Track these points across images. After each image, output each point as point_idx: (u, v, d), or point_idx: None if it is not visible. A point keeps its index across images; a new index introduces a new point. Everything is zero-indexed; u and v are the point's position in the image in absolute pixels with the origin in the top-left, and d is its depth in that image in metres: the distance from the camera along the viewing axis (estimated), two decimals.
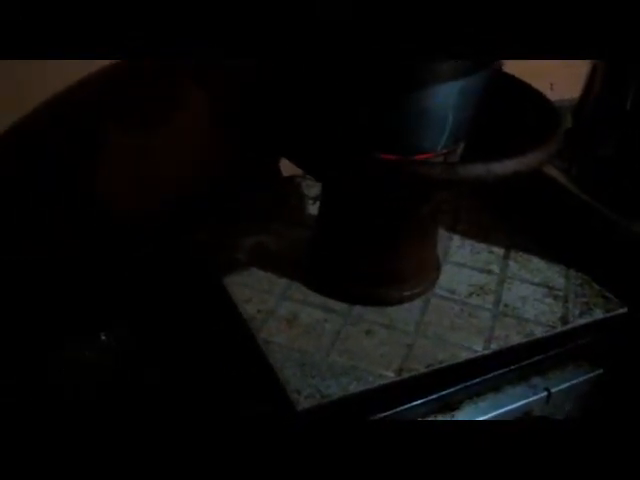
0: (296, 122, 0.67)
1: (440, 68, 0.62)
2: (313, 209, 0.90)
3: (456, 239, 0.90)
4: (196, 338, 0.76)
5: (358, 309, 0.76)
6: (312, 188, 0.95)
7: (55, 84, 0.77)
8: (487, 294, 0.80)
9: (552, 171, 0.93)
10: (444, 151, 0.68)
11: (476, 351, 0.72)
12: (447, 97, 0.64)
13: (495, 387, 0.75)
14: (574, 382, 0.78)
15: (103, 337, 0.78)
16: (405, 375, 0.68)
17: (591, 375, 0.79)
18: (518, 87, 0.77)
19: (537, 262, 0.86)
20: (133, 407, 0.67)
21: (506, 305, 0.79)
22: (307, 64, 0.65)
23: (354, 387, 0.66)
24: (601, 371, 0.79)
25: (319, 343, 0.71)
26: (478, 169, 0.60)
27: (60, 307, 0.77)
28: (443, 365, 0.70)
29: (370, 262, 0.75)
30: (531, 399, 0.75)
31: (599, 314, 0.78)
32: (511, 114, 0.75)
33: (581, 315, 0.78)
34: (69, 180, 0.81)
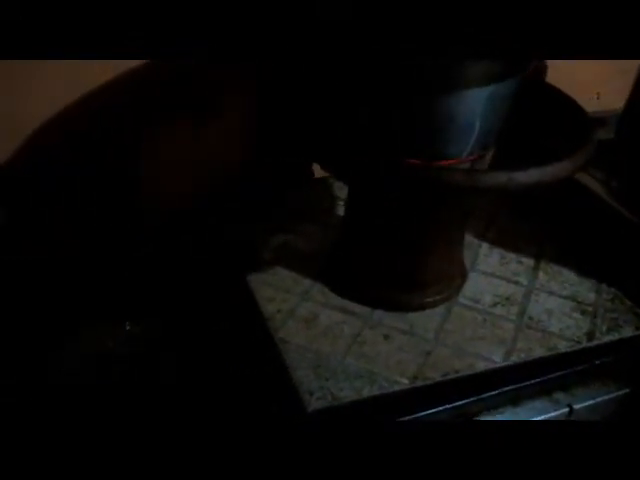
0: (324, 126, 0.67)
1: (468, 74, 0.61)
2: (343, 211, 0.89)
3: (485, 247, 0.88)
4: (217, 334, 0.76)
5: (378, 313, 0.76)
6: (344, 190, 0.95)
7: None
8: (512, 305, 0.79)
9: (591, 182, 0.91)
10: (471, 157, 0.67)
11: (495, 362, 0.71)
12: (474, 103, 0.63)
13: (514, 400, 0.73)
14: (598, 400, 0.75)
15: (128, 327, 0.79)
16: (420, 383, 0.68)
17: (617, 394, 0.77)
18: (552, 95, 0.75)
19: (567, 275, 0.84)
20: (146, 400, 0.68)
21: (531, 317, 0.77)
22: (336, 68, 0.65)
23: (367, 391, 0.66)
24: (628, 391, 0.77)
25: (336, 345, 0.71)
26: (499, 177, 0.59)
27: (86, 296, 0.79)
28: (460, 375, 0.69)
29: (392, 266, 0.75)
30: (551, 414, 0.73)
31: (628, 332, 0.76)
32: (544, 123, 0.74)
33: (609, 331, 0.76)
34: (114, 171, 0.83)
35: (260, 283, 0.79)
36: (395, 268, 0.75)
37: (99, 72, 0.78)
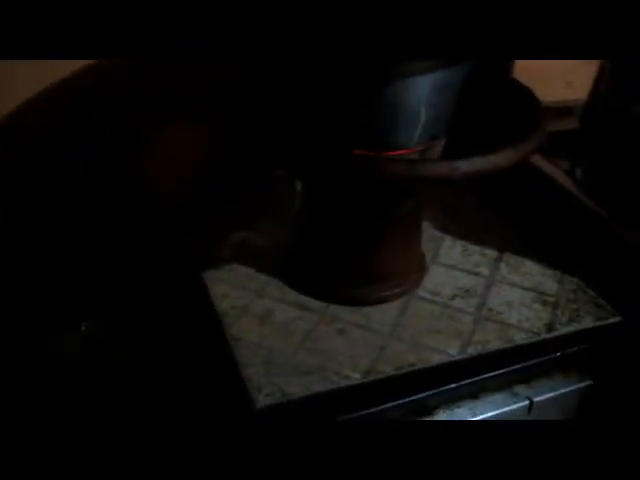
0: (269, 120, 0.66)
1: (409, 62, 0.60)
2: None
3: (448, 239, 0.87)
4: (171, 333, 0.75)
5: (334, 308, 0.74)
6: None
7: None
8: (472, 297, 0.77)
9: (555, 172, 0.90)
10: (419, 147, 0.66)
11: (451, 355, 0.69)
12: (418, 91, 0.62)
13: (473, 394, 0.72)
14: (560, 392, 0.74)
15: (83, 327, 0.78)
16: (372, 377, 0.66)
17: (579, 386, 0.75)
18: (506, 83, 0.74)
19: (530, 266, 0.83)
20: (98, 401, 0.67)
21: (490, 309, 0.76)
22: (279, 62, 0.64)
23: (317, 387, 0.65)
24: (590, 383, 0.76)
25: (289, 341, 0.70)
26: (442, 167, 0.58)
27: (42, 297, 0.78)
28: (414, 369, 0.68)
29: (346, 260, 0.74)
30: (512, 407, 0.72)
31: (589, 322, 0.75)
32: (496, 111, 0.73)
33: (569, 322, 0.75)
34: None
35: (215, 280, 0.77)
36: (349, 262, 0.74)
37: None
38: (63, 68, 0.78)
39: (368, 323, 0.73)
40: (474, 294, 0.78)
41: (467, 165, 0.58)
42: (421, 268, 0.79)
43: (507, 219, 0.91)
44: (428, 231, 0.88)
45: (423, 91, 0.62)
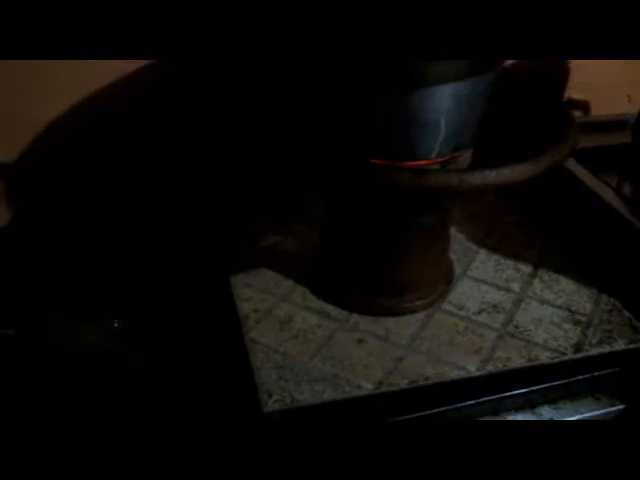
0: (288, 130, 0.66)
1: (429, 72, 0.60)
2: None
3: (482, 253, 0.85)
4: (193, 335, 0.77)
5: (356, 317, 0.74)
6: None
7: None
8: (499, 313, 0.75)
9: (600, 188, 0.86)
10: (441, 158, 0.65)
11: (468, 371, 0.68)
12: (437, 101, 0.61)
13: (493, 412, 0.70)
14: (587, 415, 0.71)
15: (116, 324, 0.81)
16: (384, 389, 0.66)
17: (609, 410, 0.72)
18: (539, 95, 0.72)
19: (565, 283, 0.80)
20: (116, 397, 0.69)
21: (517, 326, 0.74)
22: (294, 70, 0.65)
23: (327, 395, 0.65)
24: (622, 407, 0.72)
25: (306, 348, 0.70)
26: (450, 178, 0.56)
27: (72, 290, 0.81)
28: (428, 382, 0.67)
29: (368, 270, 0.74)
30: None
31: (621, 345, 0.72)
32: (528, 123, 0.71)
33: (599, 344, 0.72)
34: None
35: (241, 283, 0.79)
36: (371, 272, 0.73)
37: None
38: None
39: (387, 334, 0.72)
40: (501, 310, 0.76)
41: (476, 177, 0.56)
42: (447, 281, 0.77)
43: (547, 235, 0.89)
44: (463, 245, 0.86)
45: (443, 100, 0.61)
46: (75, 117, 0.82)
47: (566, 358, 0.70)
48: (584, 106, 1.07)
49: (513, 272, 0.82)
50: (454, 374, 0.68)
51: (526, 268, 0.83)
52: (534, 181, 0.61)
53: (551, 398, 0.71)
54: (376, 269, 0.73)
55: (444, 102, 0.61)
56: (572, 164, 0.90)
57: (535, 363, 0.69)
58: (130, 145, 0.85)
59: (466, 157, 0.69)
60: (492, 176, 0.57)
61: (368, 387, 0.66)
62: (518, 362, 0.69)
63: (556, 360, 0.70)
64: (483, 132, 0.70)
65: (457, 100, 0.62)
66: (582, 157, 0.93)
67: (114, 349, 0.75)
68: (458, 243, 0.86)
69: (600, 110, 1.08)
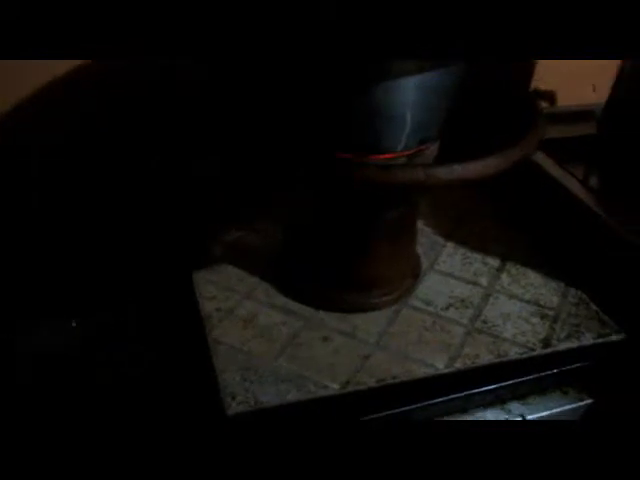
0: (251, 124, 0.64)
1: (391, 64, 0.58)
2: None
3: (450, 246, 0.84)
4: (159, 333, 0.74)
5: (322, 314, 0.72)
6: None
7: None
8: (467, 308, 0.74)
9: (566, 179, 0.86)
10: (407, 152, 0.64)
11: (437, 369, 0.67)
12: (401, 94, 0.60)
13: (462, 409, 0.69)
14: (556, 411, 0.70)
15: (74, 324, 0.78)
16: (350, 388, 0.64)
17: (578, 404, 0.72)
18: (508, 86, 0.71)
19: (533, 277, 0.79)
20: (75, 401, 0.66)
21: (485, 322, 0.73)
22: (258, 65, 0.62)
23: (292, 396, 0.63)
24: (590, 402, 0.72)
25: (270, 347, 0.68)
26: (416, 173, 0.55)
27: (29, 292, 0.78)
28: (396, 381, 0.65)
29: (334, 266, 0.72)
30: None
31: (589, 339, 0.71)
32: (495, 114, 0.69)
33: (567, 338, 0.71)
34: None
35: (204, 281, 0.76)
36: (336, 267, 0.72)
37: None
38: None
39: (354, 331, 0.70)
40: (470, 305, 0.75)
41: (443, 172, 0.55)
42: (415, 275, 0.76)
43: (515, 227, 0.88)
44: (430, 238, 0.85)
45: (408, 93, 0.60)
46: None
47: (535, 353, 0.69)
48: (550, 97, 1.06)
49: (481, 266, 0.81)
50: (422, 372, 0.66)
51: (494, 262, 0.82)
52: (503, 175, 0.60)
53: (520, 394, 0.70)
54: (342, 264, 0.71)
55: (410, 94, 0.60)
56: (539, 156, 0.90)
57: (504, 359, 0.68)
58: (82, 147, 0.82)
59: (433, 150, 0.67)
60: (459, 170, 0.56)
61: (334, 387, 0.64)
62: (487, 358, 0.68)
63: (525, 356, 0.69)
64: (450, 124, 0.68)
65: (423, 92, 0.60)
66: (549, 148, 0.92)
67: (71, 351, 0.72)
68: (425, 236, 0.85)
69: (566, 100, 1.07)
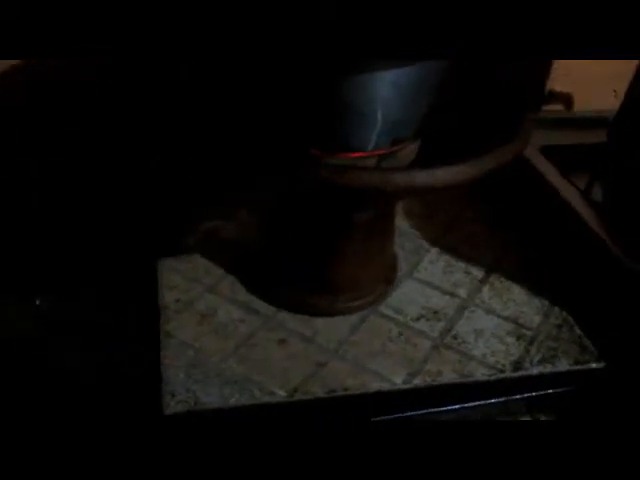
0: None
1: (359, 61, 0.54)
2: None
3: (434, 252, 0.80)
4: (117, 320, 0.72)
5: (284, 315, 0.69)
6: None
7: None
8: (439, 320, 0.70)
9: (566, 189, 0.80)
10: (378, 151, 0.60)
11: (393, 384, 0.63)
12: (371, 90, 0.55)
13: None
14: None
15: (38, 302, 0.76)
16: (297, 397, 0.61)
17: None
18: (498, 84, 0.66)
19: (517, 292, 0.75)
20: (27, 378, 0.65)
21: (455, 337, 0.68)
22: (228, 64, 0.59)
23: (235, 400, 0.60)
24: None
25: (223, 345, 0.65)
26: (373, 177, 0.51)
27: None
28: (347, 393, 0.62)
29: (299, 266, 0.68)
30: None
31: (565, 365, 0.66)
32: (481, 115, 0.65)
33: (541, 362, 0.66)
34: None
35: (170, 269, 0.74)
36: (302, 267, 0.68)
37: None
38: None
39: (314, 336, 0.67)
40: (442, 317, 0.70)
41: (402, 178, 0.51)
42: (388, 281, 0.72)
43: (506, 236, 0.83)
44: (415, 242, 0.81)
45: (378, 91, 0.55)
46: None
47: (503, 376, 0.65)
48: (566, 99, 1.00)
49: (462, 276, 0.76)
50: (377, 386, 0.63)
51: (478, 272, 0.77)
52: (474, 184, 0.55)
53: (487, 416, 0.66)
54: (307, 265, 0.68)
55: (380, 91, 0.55)
56: (541, 162, 0.84)
57: (467, 380, 0.64)
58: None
59: (410, 151, 0.63)
60: (422, 177, 0.51)
61: (281, 394, 0.61)
62: (449, 377, 0.64)
63: (492, 378, 0.65)
64: (433, 124, 0.64)
65: (396, 89, 0.56)
66: (558, 154, 0.87)
67: (33, 333, 0.70)
68: (410, 240, 0.81)
69: (584, 105, 1.01)
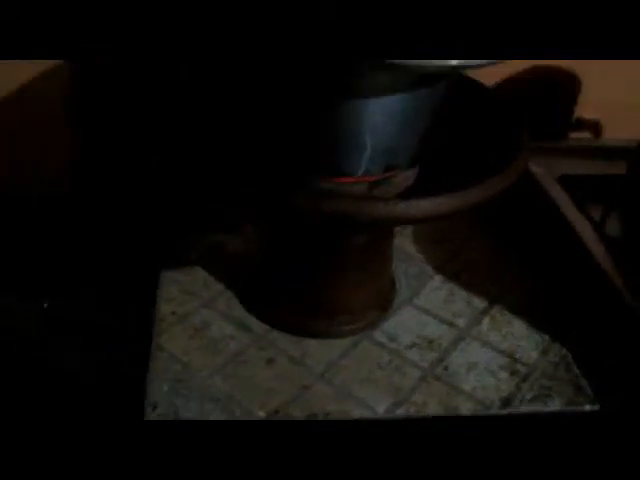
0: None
1: (349, 84, 0.54)
2: None
3: (437, 280, 0.78)
4: (119, 327, 0.73)
5: (275, 334, 0.69)
6: None
7: None
8: (432, 350, 0.69)
9: (581, 225, 0.77)
10: (369, 177, 0.59)
11: (375, 412, 0.62)
12: (359, 115, 0.55)
13: None
14: None
15: (45, 305, 0.78)
16: (277, 418, 0.61)
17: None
18: (496, 116, 0.65)
19: (518, 326, 0.73)
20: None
21: (446, 368, 0.67)
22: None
23: (215, 416, 0.60)
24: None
25: (211, 361, 0.66)
26: (346, 205, 0.51)
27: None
28: (326, 419, 0.61)
29: (293, 286, 0.68)
30: None
31: (557, 405, 0.64)
32: (480, 141, 0.64)
33: (533, 400, 0.65)
34: None
35: (170, 281, 0.75)
36: (297, 287, 0.68)
37: None
38: None
39: (303, 357, 0.67)
40: (436, 347, 0.69)
41: (377, 208, 0.50)
42: (381, 307, 0.71)
43: (514, 268, 0.81)
44: (420, 267, 0.80)
45: (366, 117, 0.55)
46: None
47: (490, 412, 0.63)
48: (595, 127, 0.98)
49: (464, 306, 0.75)
50: (358, 413, 0.62)
51: (480, 303, 0.75)
52: (459, 215, 0.55)
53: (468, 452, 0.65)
54: (300, 286, 0.68)
55: (368, 117, 0.55)
56: (557, 192, 0.82)
57: (452, 414, 0.63)
58: None
59: (404, 178, 0.62)
60: (400, 208, 0.51)
61: (260, 414, 0.61)
62: (433, 410, 0.63)
63: (478, 413, 0.63)
64: (431, 151, 0.63)
65: (387, 116, 0.56)
66: (583, 184, 0.84)
67: (39, 334, 0.72)
68: (414, 265, 0.80)
69: (614, 133, 0.98)
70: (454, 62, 0.48)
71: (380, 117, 0.56)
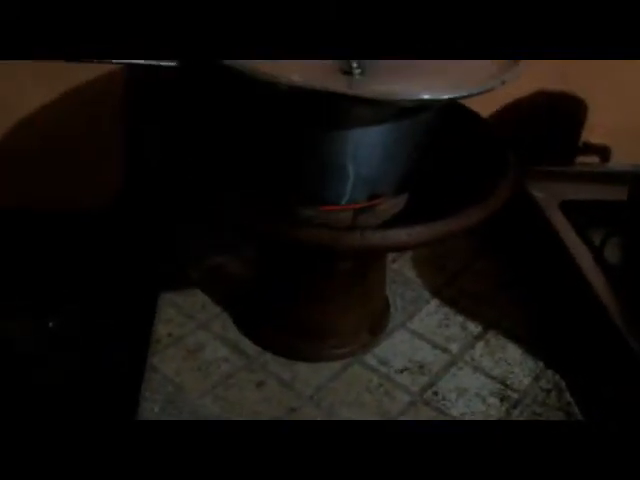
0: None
1: (331, 112, 0.55)
2: None
3: (433, 304, 0.79)
4: (119, 347, 0.75)
5: (268, 357, 0.70)
6: None
7: None
8: (423, 375, 0.69)
9: (580, 252, 0.77)
10: (353, 205, 0.60)
11: None
12: (341, 144, 0.56)
13: None
14: None
15: (51, 324, 0.80)
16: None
17: None
18: (489, 140, 0.65)
19: (512, 352, 0.73)
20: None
21: (436, 393, 0.67)
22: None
23: None
24: None
25: (202, 383, 0.67)
26: (322, 235, 0.52)
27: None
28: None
29: (287, 310, 0.69)
30: None
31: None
32: (468, 170, 0.64)
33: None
34: None
35: (168, 302, 0.76)
36: (287, 311, 0.69)
37: None
38: None
39: (293, 380, 0.68)
40: (427, 372, 0.70)
41: (353, 238, 0.51)
42: (372, 332, 0.72)
43: (512, 293, 0.81)
44: (416, 291, 0.80)
45: (348, 146, 0.56)
46: None
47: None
48: (603, 152, 0.97)
49: (458, 330, 0.75)
50: None
51: (475, 328, 0.75)
52: (436, 244, 0.55)
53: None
54: (294, 311, 0.69)
55: (350, 146, 0.56)
56: (558, 218, 0.82)
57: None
58: None
59: (390, 205, 0.63)
60: (374, 238, 0.52)
61: None
62: None
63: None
64: (424, 176, 0.64)
65: (369, 146, 0.57)
66: (588, 209, 0.84)
67: (40, 351, 0.75)
68: (411, 289, 0.80)
69: (622, 158, 0.97)
70: (426, 96, 0.48)
71: (363, 147, 0.57)
